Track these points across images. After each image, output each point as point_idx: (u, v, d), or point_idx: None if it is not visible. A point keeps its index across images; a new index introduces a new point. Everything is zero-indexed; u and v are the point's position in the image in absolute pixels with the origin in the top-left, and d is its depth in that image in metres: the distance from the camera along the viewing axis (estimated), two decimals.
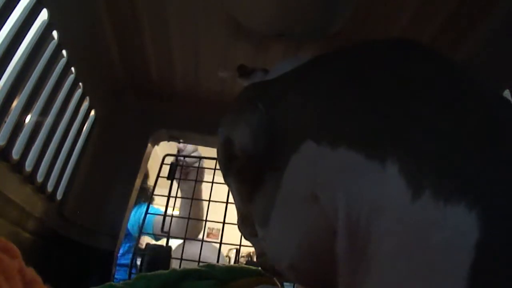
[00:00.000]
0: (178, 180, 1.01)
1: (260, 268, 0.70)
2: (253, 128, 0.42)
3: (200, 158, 1.03)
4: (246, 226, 0.50)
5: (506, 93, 0.60)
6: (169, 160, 0.98)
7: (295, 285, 0.93)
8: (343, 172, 0.31)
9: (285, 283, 0.91)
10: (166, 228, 0.97)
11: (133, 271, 0.92)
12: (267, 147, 0.41)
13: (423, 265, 0.25)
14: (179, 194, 1.00)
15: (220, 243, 1.00)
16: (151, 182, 1.37)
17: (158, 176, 0.96)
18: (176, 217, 1.02)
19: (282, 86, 0.44)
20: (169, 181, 0.98)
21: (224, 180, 0.50)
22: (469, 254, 0.24)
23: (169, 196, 0.97)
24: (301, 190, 0.36)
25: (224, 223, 1.03)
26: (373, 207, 0.29)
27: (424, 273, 0.25)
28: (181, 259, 0.87)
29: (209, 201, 1.06)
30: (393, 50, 0.38)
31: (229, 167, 0.46)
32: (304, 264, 0.38)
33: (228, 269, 0.66)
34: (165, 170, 0.97)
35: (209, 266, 0.67)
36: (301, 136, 0.36)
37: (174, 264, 0.91)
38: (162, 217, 0.97)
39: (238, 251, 1.06)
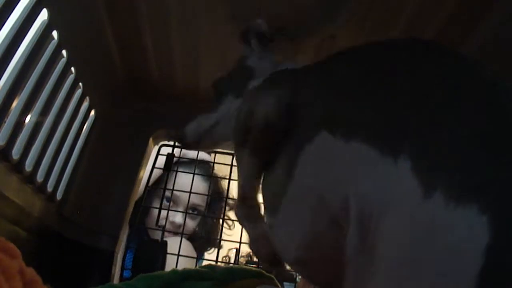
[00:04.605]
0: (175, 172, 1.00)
1: (259, 264, 0.70)
2: (279, 100, 0.45)
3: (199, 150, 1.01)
4: (245, 207, 0.51)
5: None
6: (166, 150, 0.97)
7: (296, 285, 0.93)
8: (356, 166, 0.31)
9: (285, 283, 0.91)
10: (161, 222, 0.97)
11: (128, 266, 0.92)
12: (286, 123, 0.43)
13: (431, 266, 0.25)
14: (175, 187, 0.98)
15: (220, 240, 1.00)
16: None
17: (153, 167, 0.95)
18: (172, 210, 1.02)
19: (306, 76, 0.46)
20: None
21: (236, 155, 0.53)
22: (479, 258, 0.23)
23: (165, 188, 0.97)
24: (314, 185, 0.36)
25: (223, 219, 1.03)
26: (384, 203, 0.28)
27: (432, 275, 0.25)
28: (178, 255, 0.87)
29: (208, 195, 1.06)
30: (411, 51, 0.38)
31: (246, 138, 0.48)
32: (310, 258, 0.38)
33: (229, 270, 0.66)
34: (161, 160, 0.95)
35: (210, 267, 0.67)
36: (317, 125, 0.37)
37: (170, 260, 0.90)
38: None
39: (238, 251, 1.05)
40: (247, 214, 0.50)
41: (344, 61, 0.43)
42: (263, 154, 0.47)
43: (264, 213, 0.50)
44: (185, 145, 0.64)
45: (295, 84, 0.46)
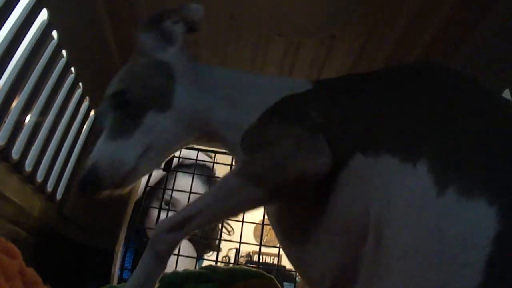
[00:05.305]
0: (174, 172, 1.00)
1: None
2: (325, 151, 0.39)
3: (199, 150, 1.01)
4: (175, 236, 0.41)
5: (506, 92, 0.61)
6: None
7: (296, 285, 0.93)
8: (380, 177, 0.34)
9: (285, 283, 0.91)
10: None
11: (128, 266, 0.92)
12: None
13: (442, 254, 0.27)
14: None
15: (220, 240, 0.99)
16: None
17: None
18: (171, 210, 1.02)
19: (325, 100, 0.44)
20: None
21: (230, 185, 0.42)
22: (487, 246, 0.26)
23: (164, 188, 0.97)
24: (348, 209, 0.37)
25: (222, 223, 1.03)
26: (399, 204, 0.31)
27: (442, 261, 0.27)
28: (178, 255, 0.87)
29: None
30: (421, 75, 0.42)
31: (271, 183, 0.40)
32: (344, 283, 0.38)
33: (230, 271, 0.66)
34: None
35: (210, 268, 0.67)
36: (350, 151, 0.38)
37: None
38: None
39: (238, 251, 1.06)
40: (173, 244, 0.41)
41: (365, 85, 0.44)
42: (284, 197, 0.41)
43: (286, 243, 0.46)
44: (96, 193, 0.46)
45: (317, 110, 0.43)
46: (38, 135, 0.63)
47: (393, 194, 0.32)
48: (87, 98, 0.77)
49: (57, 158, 0.70)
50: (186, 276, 0.63)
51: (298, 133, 0.41)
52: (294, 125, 0.42)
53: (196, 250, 1.15)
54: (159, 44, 0.51)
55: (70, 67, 0.69)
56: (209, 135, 0.51)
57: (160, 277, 0.42)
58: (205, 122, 0.49)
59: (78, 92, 0.74)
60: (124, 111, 0.48)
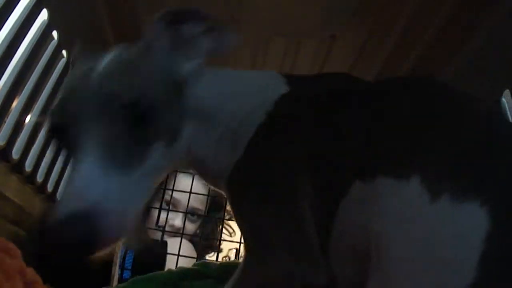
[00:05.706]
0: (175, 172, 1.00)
1: None
2: (321, 265, 0.36)
3: None
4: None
5: (506, 92, 0.61)
6: None
7: None
8: (378, 196, 0.34)
9: None
10: (161, 223, 0.97)
11: (128, 266, 0.92)
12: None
13: (438, 256, 0.28)
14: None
15: (220, 240, 0.99)
16: None
17: None
18: (171, 210, 1.02)
19: (315, 125, 0.42)
20: None
21: None
22: (479, 246, 0.27)
23: (165, 189, 0.96)
24: (358, 238, 0.35)
25: (223, 219, 1.03)
26: (398, 213, 0.32)
27: (438, 264, 0.28)
28: (178, 255, 0.87)
29: (208, 195, 1.06)
30: (409, 90, 0.41)
31: None
32: None
33: (224, 267, 0.66)
34: None
35: (203, 265, 0.67)
36: (348, 177, 0.37)
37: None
38: None
39: (238, 251, 1.05)
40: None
41: (351, 108, 0.42)
42: None
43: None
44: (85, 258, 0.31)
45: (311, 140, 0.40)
46: (38, 135, 0.63)
47: (389, 207, 0.32)
48: None
49: (57, 158, 0.70)
50: (181, 274, 0.63)
51: (293, 238, 0.37)
52: (287, 211, 0.38)
53: (197, 250, 1.15)
54: (179, 51, 0.41)
55: (71, 67, 0.69)
56: (188, 166, 0.49)
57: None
58: (192, 156, 0.44)
59: None
60: (136, 130, 0.34)
